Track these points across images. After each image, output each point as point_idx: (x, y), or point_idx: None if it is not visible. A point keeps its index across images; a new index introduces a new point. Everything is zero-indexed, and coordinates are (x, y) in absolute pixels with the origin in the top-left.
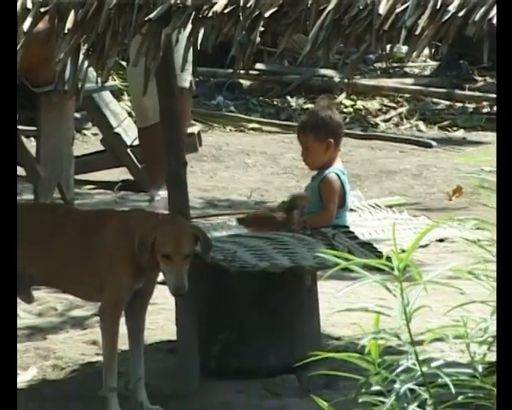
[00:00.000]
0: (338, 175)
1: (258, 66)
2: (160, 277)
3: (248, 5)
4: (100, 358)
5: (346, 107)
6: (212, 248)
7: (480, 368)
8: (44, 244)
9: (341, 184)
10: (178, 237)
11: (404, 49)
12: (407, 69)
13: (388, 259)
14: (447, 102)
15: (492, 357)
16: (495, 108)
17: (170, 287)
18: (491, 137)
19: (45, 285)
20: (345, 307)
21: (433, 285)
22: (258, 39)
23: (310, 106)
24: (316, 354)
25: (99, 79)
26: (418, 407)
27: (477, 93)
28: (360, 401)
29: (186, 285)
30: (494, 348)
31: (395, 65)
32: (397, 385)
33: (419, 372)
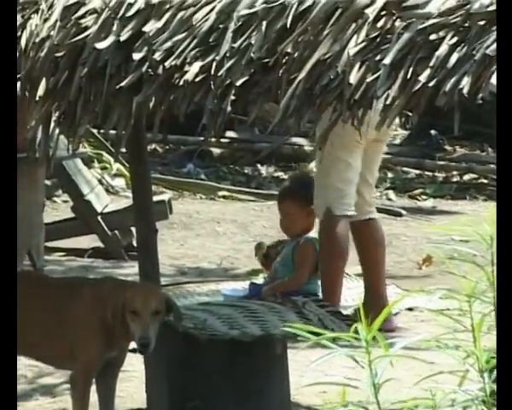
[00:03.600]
0: (313, 241)
1: (229, 134)
2: (132, 345)
3: (219, 74)
4: None
5: None
6: (183, 318)
7: None
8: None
9: (315, 251)
10: (147, 295)
11: None
12: None
13: (357, 329)
14: (417, 171)
15: None
16: (465, 178)
17: (135, 340)
18: (461, 206)
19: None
20: (315, 375)
21: (399, 355)
22: (229, 108)
23: (280, 174)
24: None
25: (70, 147)
26: None
27: (447, 162)
28: None
29: (152, 340)
30: None
31: None
32: None
33: None
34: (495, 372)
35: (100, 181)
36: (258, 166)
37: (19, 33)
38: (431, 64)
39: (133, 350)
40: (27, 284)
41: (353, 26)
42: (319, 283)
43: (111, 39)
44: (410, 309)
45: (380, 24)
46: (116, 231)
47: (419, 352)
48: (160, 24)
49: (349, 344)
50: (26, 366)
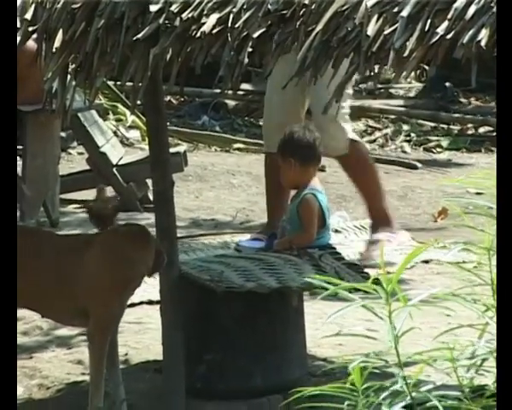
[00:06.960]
0: (314, 195)
1: (244, 86)
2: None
3: (237, 26)
4: (85, 377)
5: None
6: None
7: (467, 391)
8: (26, 268)
9: (319, 204)
10: None
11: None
12: (392, 90)
13: (376, 280)
14: (432, 124)
15: (479, 381)
16: (480, 130)
17: None
18: (476, 158)
19: (25, 308)
20: (331, 328)
21: (419, 307)
22: (246, 60)
23: None
24: (300, 390)
25: (86, 99)
26: None
27: (462, 115)
28: None
29: None
30: (481, 372)
31: (380, 86)
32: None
33: (407, 396)
34: None
35: (115, 133)
36: None
37: None
38: (449, 16)
39: (149, 302)
40: (38, 241)
41: None
42: (330, 234)
43: None
44: (426, 262)
45: None
46: (131, 183)
47: (436, 303)
48: None
49: (365, 297)
50: (41, 317)
